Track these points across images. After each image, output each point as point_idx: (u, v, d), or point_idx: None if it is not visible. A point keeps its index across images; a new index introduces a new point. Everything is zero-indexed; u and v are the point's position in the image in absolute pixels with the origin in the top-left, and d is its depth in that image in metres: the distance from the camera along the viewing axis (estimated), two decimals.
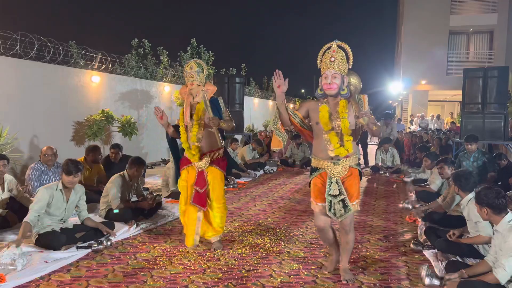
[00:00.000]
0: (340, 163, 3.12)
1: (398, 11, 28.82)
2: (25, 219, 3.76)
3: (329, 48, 3.10)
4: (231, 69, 16.95)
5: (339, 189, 3.12)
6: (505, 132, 8.30)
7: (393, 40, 33.80)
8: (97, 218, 4.74)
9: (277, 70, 3.07)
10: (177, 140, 4.23)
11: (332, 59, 3.06)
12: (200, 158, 3.92)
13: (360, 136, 11.66)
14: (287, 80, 3.09)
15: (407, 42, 21.13)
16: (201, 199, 3.98)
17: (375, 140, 20.34)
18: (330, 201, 3.15)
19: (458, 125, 11.87)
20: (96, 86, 8.74)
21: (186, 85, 3.96)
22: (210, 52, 14.92)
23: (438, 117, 18.57)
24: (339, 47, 3.08)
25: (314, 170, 3.29)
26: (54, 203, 3.92)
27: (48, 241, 3.79)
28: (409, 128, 19.15)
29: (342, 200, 3.12)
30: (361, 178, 3.29)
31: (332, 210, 3.15)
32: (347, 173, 3.15)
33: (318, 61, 3.16)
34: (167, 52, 12.73)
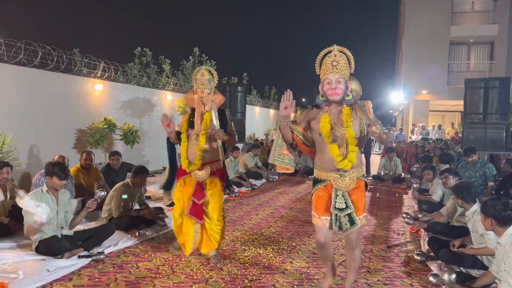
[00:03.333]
0: (347, 175, 2.92)
1: (398, 21, 29.00)
2: (25, 229, 3.83)
3: (329, 52, 2.95)
4: (232, 77, 17.02)
5: (345, 203, 2.92)
6: (507, 143, 8.29)
7: (393, 50, 33.99)
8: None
9: (288, 90, 2.89)
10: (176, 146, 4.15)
11: (335, 63, 2.89)
12: (200, 169, 3.82)
13: (364, 144, 11.46)
14: (294, 102, 2.89)
15: (407, 52, 21.22)
16: (198, 211, 3.84)
17: (376, 149, 20.35)
18: (336, 215, 2.93)
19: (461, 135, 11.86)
20: (98, 94, 8.77)
21: (194, 92, 3.88)
22: (212, 61, 15.00)
23: (440, 127, 18.59)
24: (340, 51, 2.93)
25: (317, 181, 3.06)
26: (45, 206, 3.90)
27: (50, 245, 3.77)
28: (410, 138, 19.15)
29: (349, 214, 2.91)
30: (366, 189, 3.10)
31: (338, 224, 2.94)
32: (354, 185, 2.95)
33: (316, 67, 2.99)
34: (169, 61, 12.80)
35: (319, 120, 2.96)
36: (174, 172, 4.13)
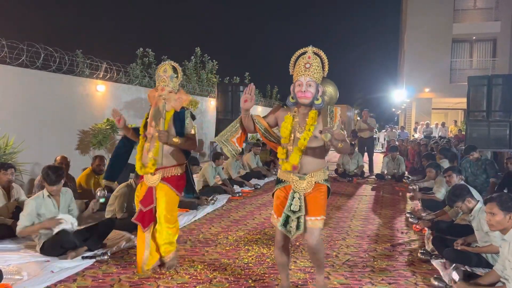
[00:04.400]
0: (306, 178, 2.87)
1: (400, 19, 28.92)
2: (17, 230, 3.88)
3: (303, 53, 2.87)
4: (234, 77, 17.03)
5: (299, 206, 2.86)
6: (510, 140, 8.26)
7: (396, 48, 33.91)
8: None
9: (251, 84, 2.89)
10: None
11: (308, 65, 2.82)
12: (153, 173, 3.53)
13: (367, 143, 11.51)
14: (254, 96, 2.90)
15: (410, 50, 21.15)
16: (144, 219, 3.54)
17: (379, 148, 20.31)
18: (288, 216, 2.87)
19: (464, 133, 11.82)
20: (101, 95, 8.79)
21: (156, 89, 3.58)
22: (214, 61, 15.01)
23: (443, 124, 18.53)
24: (315, 53, 2.85)
25: (279, 181, 3.02)
26: (45, 212, 3.92)
27: (58, 240, 3.79)
28: (413, 136, 19.10)
29: (298, 218, 2.85)
30: (329, 195, 2.99)
31: (288, 227, 2.86)
32: (313, 189, 2.88)
33: (290, 67, 2.91)
34: (180, 69, 12.83)
35: (284, 121, 2.94)
36: (115, 162, 3.92)
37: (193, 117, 3.69)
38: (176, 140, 3.46)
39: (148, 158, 3.48)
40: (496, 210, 2.98)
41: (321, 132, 2.69)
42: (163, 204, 3.55)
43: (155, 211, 3.58)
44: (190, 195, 4.05)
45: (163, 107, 3.48)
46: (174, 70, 3.57)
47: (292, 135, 2.88)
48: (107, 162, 6.26)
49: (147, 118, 3.61)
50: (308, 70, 2.82)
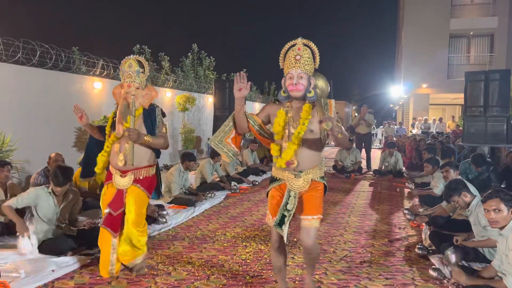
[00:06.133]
0: (302, 175, 2.76)
1: (398, 15, 28.90)
2: (3, 204, 3.90)
3: (293, 45, 2.75)
4: (232, 74, 17.00)
5: (294, 204, 2.78)
6: (507, 135, 8.27)
7: (393, 44, 33.89)
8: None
9: (241, 72, 2.76)
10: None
11: (298, 57, 2.71)
12: (123, 175, 3.34)
13: (364, 139, 11.45)
14: (249, 83, 2.76)
15: (407, 46, 21.16)
16: (113, 223, 3.33)
17: (377, 144, 20.33)
18: (283, 215, 2.76)
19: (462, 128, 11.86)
20: (98, 92, 8.75)
21: (121, 85, 3.35)
22: (211, 57, 14.98)
23: (441, 120, 18.56)
24: (305, 45, 2.74)
25: (273, 180, 2.91)
26: (43, 205, 3.92)
27: (55, 245, 3.79)
28: (411, 131, 19.13)
29: (290, 216, 2.77)
30: (325, 193, 2.89)
31: (283, 227, 2.75)
32: (309, 187, 2.79)
33: (280, 60, 2.81)
34: (168, 58, 12.77)
35: (276, 116, 2.81)
36: (89, 160, 3.65)
37: (163, 114, 3.54)
38: (147, 138, 3.28)
39: (117, 159, 3.29)
40: (502, 207, 2.92)
41: (320, 121, 2.53)
42: (133, 206, 3.34)
43: (123, 214, 3.38)
44: (155, 197, 3.80)
45: (133, 103, 3.25)
46: (140, 64, 3.34)
47: (286, 131, 2.78)
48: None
49: (113, 116, 3.41)
50: (299, 62, 2.71)
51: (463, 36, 20.53)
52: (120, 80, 3.47)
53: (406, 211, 5.67)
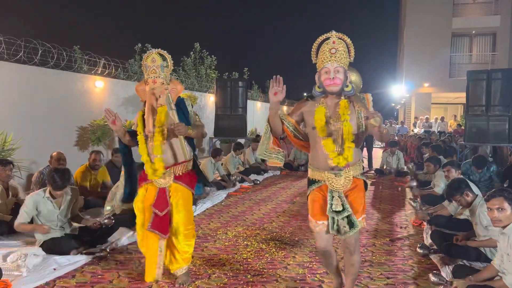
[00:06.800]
0: (342, 174, 2.67)
1: (400, 13, 28.82)
2: (15, 223, 3.90)
3: (327, 39, 2.66)
4: (233, 73, 16.98)
5: (342, 205, 2.67)
6: (509, 134, 8.26)
7: (395, 43, 33.81)
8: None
9: (277, 76, 2.65)
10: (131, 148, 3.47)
11: (333, 50, 2.62)
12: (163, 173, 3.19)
13: (366, 139, 11.47)
14: (284, 87, 2.64)
15: (409, 45, 21.11)
16: (162, 225, 3.21)
17: (378, 143, 20.30)
18: (333, 218, 2.67)
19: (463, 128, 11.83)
20: (99, 91, 8.76)
21: (145, 82, 3.19)
22: (213, 56, 14.97)
23: (442, 119, 18.54)
24: (339, 38, 2.66)
25: (312, 182, 2.80)
26: (44, 211, 3.90)
27: (57, 245, 3.79)
28: (413, 131, 19.11)
29: (347, 217, 2.66)
30: (366, 189, 2.83)
31: (335, 227, 2.67)
32: (351, 186, 2.70)
33: (312, 55, 2.72)
34: (170, 57, 12.77)
35: (313, 113, 2.70)
36: (132, 179, 3.46)
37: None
38: (190, 131, 3.15)
39: (154, 160, 3.13)
40: (506, 205, 2.90)
41: (367, 118, 2.47)
42: (179, 205, 3.23)
43: (171, 215, 3.25)
44: (199, 192, 3.60)
45: (168, 97, 3.14)
46: (163, 58, 3.20)
47: (327, 128, 2.66)
48: (103, 157, 6.25)
49: (143, 115, 3.26)
50: (334, 55, 2.62)
51: (465, 35, 20.47)
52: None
53: (410, 200, 5.67)
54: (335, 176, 2.68)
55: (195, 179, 3.39)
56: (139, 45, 12.26)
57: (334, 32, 2.67)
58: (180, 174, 3.25)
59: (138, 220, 3.33)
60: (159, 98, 3.13)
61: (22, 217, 3.87)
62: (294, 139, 2.90)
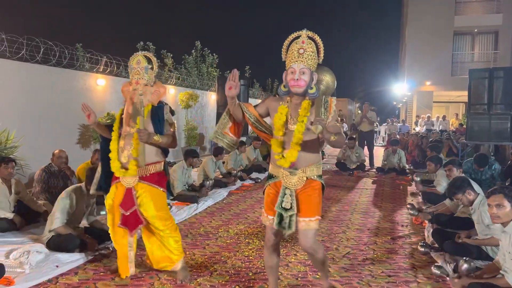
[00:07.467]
0: (297, 173, 2.65)
1: (402, 12, 28.76)
2: (56, 229, 3.88)
3: (297, 38, 2.62)
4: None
5: (291, 203, 2.65)
6: (511, 133, 8.25)
7: (397, 41, 33.76)
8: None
9: (234, 70, 2.66)
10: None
11: (301, 51, 2.58)
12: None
13: (366, 137, 11.39)
14: (239, 83, 2.68)
15: (411, 43, 21.07)
16: (130, 221, 3.26)
17: (380, 141, 20.28)
18: (281, 214, 2.65)
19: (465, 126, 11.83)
20: (101, 89, 8.78)
21: (130, 82, 3.28)
22: (214, 54, 14.97)
23: (444, 117, 18.52)
24: (309, 37, 2.62)
25: (270, 177, 2.81)
26: (79, 206, 4.03)
27: (63, 243, 3.80)
28: (414, 129, 19.09)
29: (291, 216, 2.64)
30: (323, 192, 2.78)
31: (283, 224, 2.65)
32: (305, 186, 2.67)
33: (282, 53, 2.68)
34: (171, 55, 12.77)
35: (277, 111, 2.71)
36: (106, 172, 3.43)
37: (172, 112, 3.44)
38: (157, 138, 3.18)
39: (124, 158, 3.19)
40: (505, 203, 2.92)
41: (311, 123, 2.44)
42: (150, 204, 3.25)
43: (140, 213, 3.27)
44: (168, 196, 3.64)
45: (141, 104, 3.20)
46: (149, 61, 3.26)
47: (284, 127, 2.68)
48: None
49: (121, 114, 3.34)
50: (302, 56, 2.59)
51: (467, 33, 20.42)
52: (124, 77, 3.48)
53: (409, 206, 5.67)
54: (290, 174, 2.67)
55: (165, 179, 3.40)
56: (141, 43, 12.25)
57: (305, 31, 2.64)
58: (147, 174, 3.27)
59: (109, 219, 3.41)
60: (140, 102, 3.21)
61: (58, 220, 3.87)
62: (256, 129, 2.92)
